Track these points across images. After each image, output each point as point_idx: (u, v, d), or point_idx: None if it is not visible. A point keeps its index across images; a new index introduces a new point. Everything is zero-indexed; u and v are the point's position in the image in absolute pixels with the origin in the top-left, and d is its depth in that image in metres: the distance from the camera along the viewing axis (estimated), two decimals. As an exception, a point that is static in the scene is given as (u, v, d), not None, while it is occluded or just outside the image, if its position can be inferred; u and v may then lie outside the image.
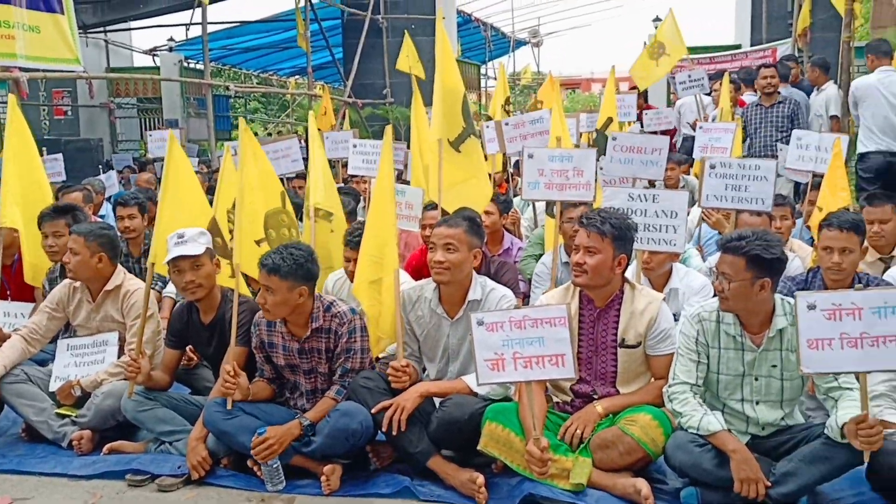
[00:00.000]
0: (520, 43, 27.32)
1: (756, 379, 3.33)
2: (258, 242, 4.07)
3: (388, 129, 4.23)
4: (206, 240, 3.97)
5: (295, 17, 13.99)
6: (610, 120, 7.48)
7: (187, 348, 4.25)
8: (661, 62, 10.20)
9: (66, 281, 4.44)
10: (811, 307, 2.86)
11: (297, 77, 24.35)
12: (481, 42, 22.99)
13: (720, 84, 8.94)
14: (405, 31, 11.88)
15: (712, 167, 4.61)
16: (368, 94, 16.30)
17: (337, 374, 3.68)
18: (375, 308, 3.90)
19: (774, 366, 3.30)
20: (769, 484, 3.09)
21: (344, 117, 13.60)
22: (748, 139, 8.38)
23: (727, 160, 4.71)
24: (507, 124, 6.98)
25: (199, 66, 17.85)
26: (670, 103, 13.87)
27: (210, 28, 13.52)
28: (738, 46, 16.57)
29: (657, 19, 18.39)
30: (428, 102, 6.14)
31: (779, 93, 8.36)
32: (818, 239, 4.39)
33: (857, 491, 3.26)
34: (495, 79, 17.12)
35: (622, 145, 5.53)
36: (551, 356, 3.15)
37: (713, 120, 8.97)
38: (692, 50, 15.31)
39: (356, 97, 15.69)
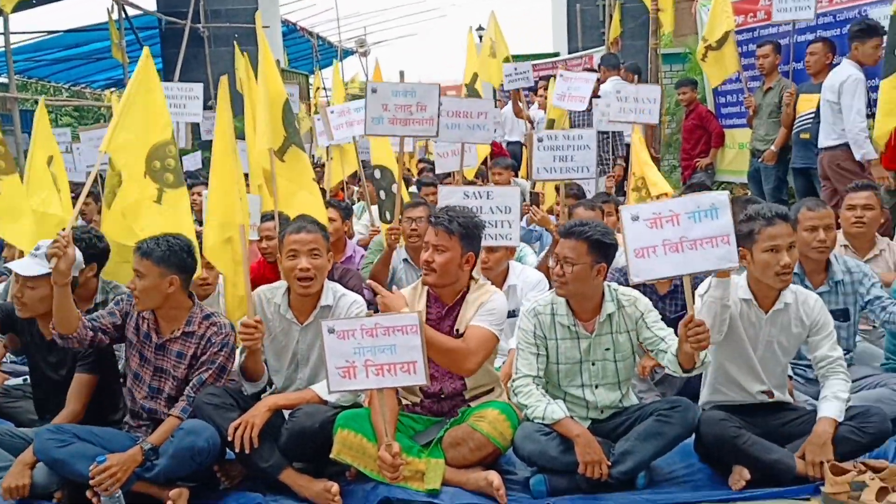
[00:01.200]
0: (347, 52, 27.26)
1: (593, 364, 3.50)
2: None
3: (223, 81, 4.03)
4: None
5: (108, 27, 13.29)
6: None
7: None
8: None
9: None
10: (634, 218, 3.05)
11: (112, 89, 23.12)
12: (308, 52, 22.76)
13: (545, 90, 9.31)
14: (235, 43, 11.53)
15: (540, 140, 4.83)
16: (192, 105, 15.73)
17: (190, 384, 3.53)
18: (231, 267, 3.78)
19: (608, 349, 3.49)
20: (609, 464, 3.27)
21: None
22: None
23: (553, 133, 4.96)
24: (332, 112, 6.91)
25: (3, 80, 16.60)
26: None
27: (14, 39, 12.59)
28: (557, 54, 17.36)
29: (480, 28, 18.92)
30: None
31: (598, 96, 8.83)
32: None
33: (687, 463, 3.50)
34: (324, 88, 17.01)
35: (449, 110, 5.57)
36: (403, 363, 3.17)
37: (538, 123, 9.36)
38: (515, 58, 15.95)
39: (180, 109, 15.10)
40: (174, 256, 3.49)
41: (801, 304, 3.45)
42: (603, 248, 3.42)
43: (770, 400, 3.51)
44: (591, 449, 3.26)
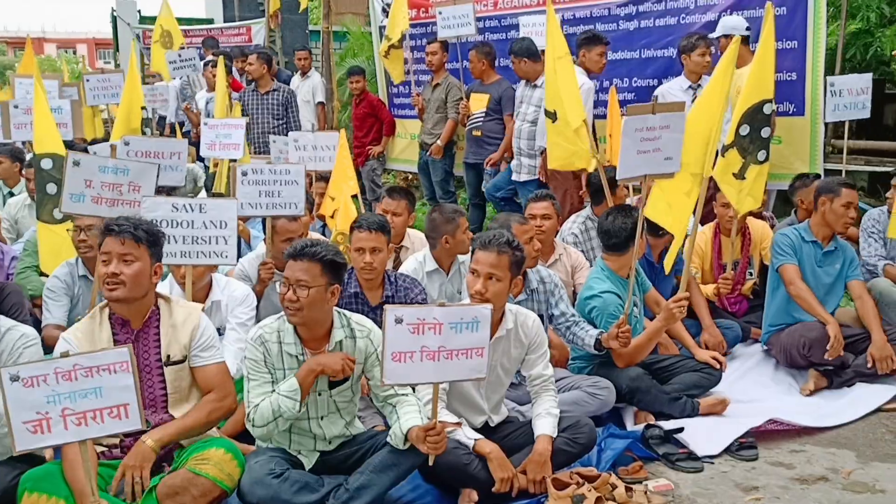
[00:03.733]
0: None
1: (319, 394, 3.31)
2: None
3: None
4: None
5: None
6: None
7: None
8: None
9: None
10: (398, 321, 2.92)
11: None
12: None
13: (213, 67, 8.68)
14: None
15: (244, 174, 4.43)
16: None
17: None
18: None
19: (326, 380, 3.32)
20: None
21: None
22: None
23: (259, 166, 4.57)
24: (16, 107, 5.80)
25: None
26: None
27: None
28: (211, 21, 16.47)
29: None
30: None
31: (273, 79, 8.50)
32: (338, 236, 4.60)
33: (414, 485, 3.45)
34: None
35: (138, 150, 4.91)
36: (112, 408, 2.71)
37: (206, 104, 8.75)
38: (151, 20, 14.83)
39: None
40: None
41: (520, 325, 3.57)
42: (337, 269, 3.25)
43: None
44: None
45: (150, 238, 3.20)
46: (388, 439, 3.22)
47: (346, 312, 3.39)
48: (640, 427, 3.97)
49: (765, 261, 5.30)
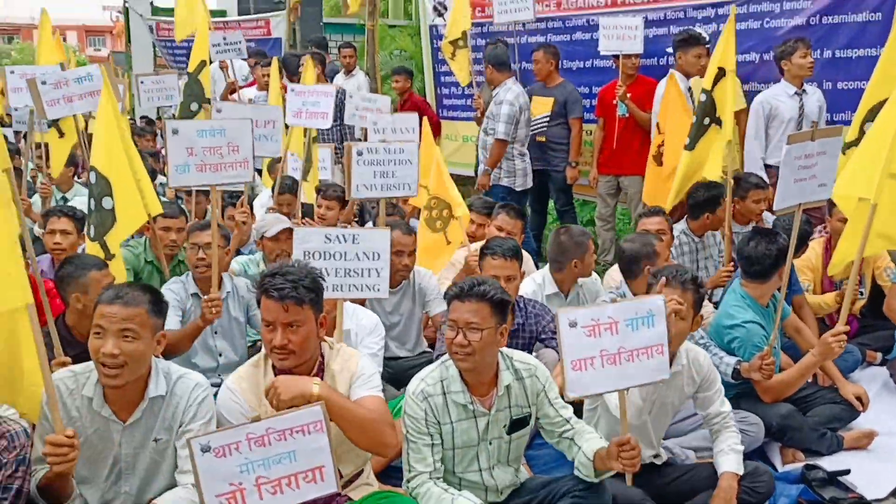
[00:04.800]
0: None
1: (490, 444, 3.09)
2: None
3: None
4: None
5: None
6: None
7: None
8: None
9: None
10: (573, 325, 2.70)
11: None
12: None
13: (265, 67, 8.35)
14: None
15: (359, 154, 4.14)
16: None
17: None
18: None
19: (505, 426, 3.10)
20: None
21: None
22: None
23: (373, 145, 4.30)
24: (43, 83, 5.43)
25: None
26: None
27: None
28: (224, 13, 16.11)
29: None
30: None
31: (327, 80, 8.22)
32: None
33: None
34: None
35: (228, 117, 4.81)
36: (307, 472, 2.45)
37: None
38: (163, 10, 14.46)
39: None
40: None
41: (691, 361, 3.37)
42: (504, 307, 3.02)
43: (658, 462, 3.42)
44: None
45: (313, 295, 2.89)
46: (576, 472, 3.03)
47: (508, 351, 3.16)
48: (797, 467, 3.78)
49: (878, 280, 5.11)
